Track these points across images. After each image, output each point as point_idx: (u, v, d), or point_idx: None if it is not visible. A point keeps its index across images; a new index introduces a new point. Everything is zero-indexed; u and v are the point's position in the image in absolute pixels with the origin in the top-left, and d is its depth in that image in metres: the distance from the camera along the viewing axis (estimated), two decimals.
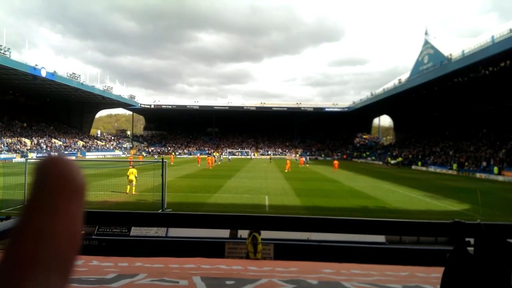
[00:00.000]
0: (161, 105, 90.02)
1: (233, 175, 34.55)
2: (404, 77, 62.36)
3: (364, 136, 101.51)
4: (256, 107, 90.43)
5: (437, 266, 1.67)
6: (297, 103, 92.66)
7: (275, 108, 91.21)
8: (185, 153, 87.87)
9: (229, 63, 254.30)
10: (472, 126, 58.14)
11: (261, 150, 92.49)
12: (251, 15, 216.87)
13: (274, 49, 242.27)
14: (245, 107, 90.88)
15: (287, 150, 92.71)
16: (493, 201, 21.42)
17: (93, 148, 74.60)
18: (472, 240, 1.61)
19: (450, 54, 44.87)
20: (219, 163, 54.70)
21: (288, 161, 45.60)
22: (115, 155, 74.72)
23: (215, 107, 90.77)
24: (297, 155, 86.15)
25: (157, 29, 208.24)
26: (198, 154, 70.52)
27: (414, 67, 58.27)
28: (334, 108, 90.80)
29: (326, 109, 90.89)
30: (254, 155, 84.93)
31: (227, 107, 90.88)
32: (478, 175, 41.42)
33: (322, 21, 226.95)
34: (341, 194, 22.25)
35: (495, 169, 39.22)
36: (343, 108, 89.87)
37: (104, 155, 71.28)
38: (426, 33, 55.93)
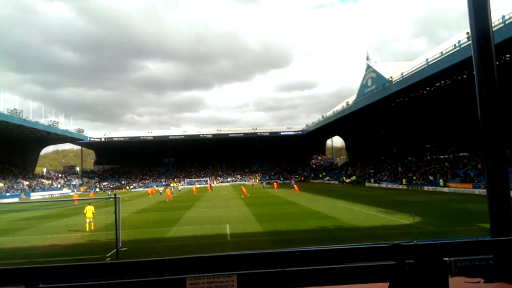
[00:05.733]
0: (112, 138, 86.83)
1: (192, 205, 33.77)
2: (352, 99, 65.82)
3: (319, 157, 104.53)
4: (213, 135, 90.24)
5: (378, 282, 1.77)
6: (253, 129, 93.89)
7: (232, 135, 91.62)
8: (140, 186, 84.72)
9: (179, 92, 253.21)
10: (416, 142, 62.26)
11: (220, 178, 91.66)
12: (197, 43, 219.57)
13: (224, 76, 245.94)
14: (201, 135, 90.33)
15: (246, 176, 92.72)
16: (441, 213, 22.80)
17: (38, 187, 69.58)
18: (412, 261, 1.75)
19: (391, 77, 48.30)
20: (174, 194, 53.22)
21: (242, 187, 48.41)
22: (63, 193, 70.15)
23: (170, 137, 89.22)
24: (256, 180, 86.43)
25: (100, 59, 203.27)
26: (155, 186, 68.33)
27: (359, 89, 61.82)
28: (289, 131, 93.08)
29: (282, 133, 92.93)
30: (213, 183, 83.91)
31: (183, 136, 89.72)
32: (426, 188, 44.02)
33: (269, 48, 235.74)
34: (301, 216, 22.51)
35: (441, 182, 41.95)
36: (297, 131, 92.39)
37: (51, 195, 66.68)
38: (367, 58, 60.00)
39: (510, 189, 2.44)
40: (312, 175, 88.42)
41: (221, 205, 32.63)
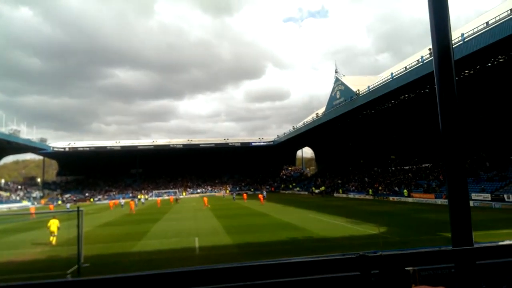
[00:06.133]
0: (77, 148, 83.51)
1: (160, 218, 32.90)
2: (321, 111, 67.24)
3: (290, 168, 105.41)
4: (183, 145, 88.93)
5: None
6: (224, 139, 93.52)
7: (203, 145, 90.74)
8: (105, 198, 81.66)
9: (149, 100, 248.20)
10: (381, 153, 64.34)
11: (190, 189, 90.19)
12: (169, 52, 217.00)
13: (196, 86, 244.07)
14: (172, 145, 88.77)
15: (216, 187, 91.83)
16: (406, 223, 23.54)
17: None
18: (377, 271, 1.77)
19: (358, 90, 49.86)
20: (138, 206, 51.19)
21: (204, 198, 48.97)
22: (22, 206, 66.31)
23: (139, 147, 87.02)
24: (227, 191, 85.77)
25: (66, 66, 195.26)
26: (121, 198, 66.05)
27: (328, 101, 63.34)
28: (260, 142, 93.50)
29: (253, 144, 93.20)
30: (182, 194, 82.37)
31: (152, 146, 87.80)
32: (391, 198, 45.39)
33: (241, 59, 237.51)
34: (271, 227, 22.48)
35: (405, 192, 43.44)
36: (268, 142, 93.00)
37: (9, 208, 62.84)
38: (336, 71, 61.71)
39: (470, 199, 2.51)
40: (282, 185, 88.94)
41: (190, 217, 32.02)
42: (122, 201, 56.22)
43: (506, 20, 25.05)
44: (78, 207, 14.28)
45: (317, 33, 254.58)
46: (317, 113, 67.81)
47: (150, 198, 79.54)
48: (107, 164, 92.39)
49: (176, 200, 62.57)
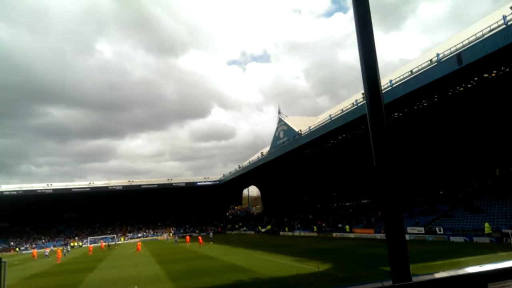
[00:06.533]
0: (2, 192, 75.24)
1: (95, 266, 30.14)
2: (266, 150, 68.61)
3: (236, 208, 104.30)
4: (123, 186, 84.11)
5: None
6: (168, 179, 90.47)
7: (145, 186, 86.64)
8: (33, 247, 73.33)
9: (86, 140, 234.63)
10: (323, 190, 66.58)
11: (130, 234, 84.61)
12: (109, 90, 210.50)
13: (138, 125, 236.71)
14: (110, 187, 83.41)
15: (159, 230, 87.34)
16: (349, 258, 24.08)
17: None
18: None
19: (300, 130, 52.06)
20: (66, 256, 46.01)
21: (138, 243, 47.93)
22: None
23: (73, 189, 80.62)
24: (170, 234, 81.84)
25: None
26: (51, 246, 59.81)
27: (273, 141, 65.07)
28: (206, 182, 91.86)
29: (198, 184, 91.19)
30: (121, 240, 76.87)
31: (89, 189, 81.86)
32: (334, 234, 46.50)
33: (186, 99, 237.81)
34: (218, 270, 21.63)
35: (347, 228, 44.81)
36: (214, 181, 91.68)
37: None
38: (279, 112, 64.17)
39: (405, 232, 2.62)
40: (229, 226, 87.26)
41: (129, 264, 29.77)
42: (47, 250, 48.94)
43: (428, 69, 28.20)
44: (0, 258, 12.62)
45: (260, 76, 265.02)
46: (262, 152, 69.03)
47: (84, 245, 73.04)
48: (38, 209, 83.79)
49: (109, 246, 57.92)
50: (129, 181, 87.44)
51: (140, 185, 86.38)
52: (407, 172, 45.07)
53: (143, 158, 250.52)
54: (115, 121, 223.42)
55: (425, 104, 35.39)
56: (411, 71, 30.63)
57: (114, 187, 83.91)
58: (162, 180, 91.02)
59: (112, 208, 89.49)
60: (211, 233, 57.94)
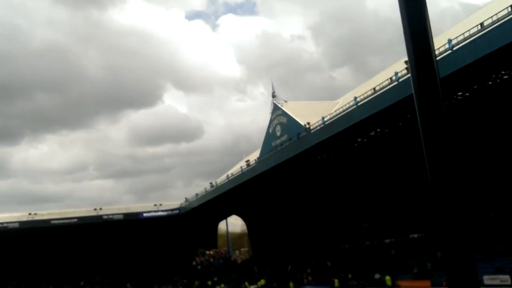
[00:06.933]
0: None
1: None
2: (254, 156, 67.91)
3: (208, 252, 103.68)
4: (20, 223, 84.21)
5: None
6: (94, 209, 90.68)
7: (56, 222, 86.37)
8: None
9: None
10: (348, 220, 65.51)
11: None
12: None
13: (43, 121, 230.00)
14: (4, 224, 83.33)
15: None
16: None
17: None
18: None
19: (308, 123, 51.24)
20: None
21: None
22: None
23: None
24: None
25: None
26: None
27: (264, 142, 64.88)
28: (158, 211, 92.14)
29: (145, 215, 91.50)
30: None
31: None
32: None
33: (120, 74, 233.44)
34: None
35: (387, 279, 44.36)
36: (171, 210, 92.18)
37: None
38: (273, 95, 62.75)
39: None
40: (196, 283, 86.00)
41: None
42: None
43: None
44: None
45: (241, 38, 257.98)
46: (247, 161, 68.43)
47: None
48: None
49: None
50: (30, 213, 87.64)
51: (48, 220, 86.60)
52: (481, 187, 44.38)
53: (52, 174, 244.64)
54: (2, 115, 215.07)
55: (505, 77, 35.43)
56: (481, 24, 30.81)
57: (5, 224, 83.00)
58: (85, 210, 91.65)
59: (3, 257, 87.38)
60: None
